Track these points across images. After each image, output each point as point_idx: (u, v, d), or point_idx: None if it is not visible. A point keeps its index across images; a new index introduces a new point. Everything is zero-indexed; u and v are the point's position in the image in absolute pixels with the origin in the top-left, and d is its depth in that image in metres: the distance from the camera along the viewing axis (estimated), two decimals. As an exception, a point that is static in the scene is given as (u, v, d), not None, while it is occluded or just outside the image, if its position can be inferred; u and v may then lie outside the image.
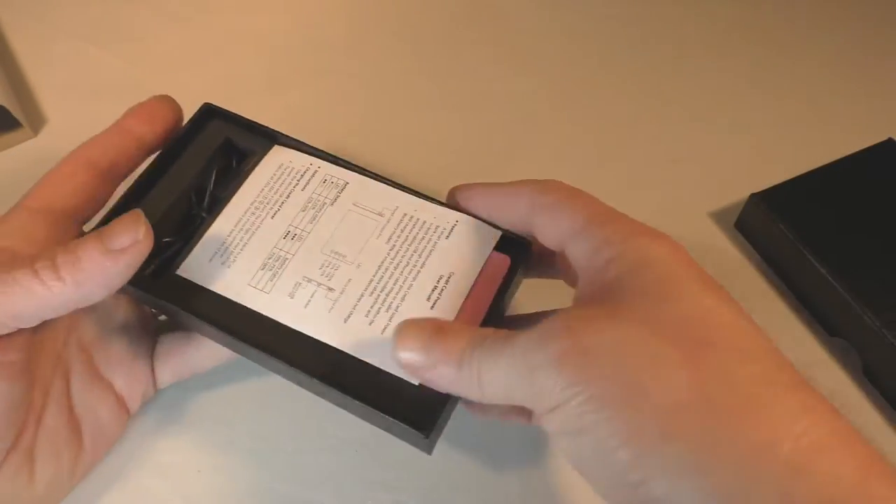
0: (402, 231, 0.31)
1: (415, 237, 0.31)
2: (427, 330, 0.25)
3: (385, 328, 0.28)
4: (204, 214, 0.32)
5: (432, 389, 0.26)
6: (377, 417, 0.28)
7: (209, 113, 0.35)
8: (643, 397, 0.20)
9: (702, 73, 0.51)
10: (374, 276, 0.30)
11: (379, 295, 0.29)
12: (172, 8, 0.54)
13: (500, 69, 0.51)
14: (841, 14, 0.55)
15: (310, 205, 0.31)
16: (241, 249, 0.30)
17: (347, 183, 0.32)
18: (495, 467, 0.33)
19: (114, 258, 0.25)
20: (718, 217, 0.43)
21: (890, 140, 0.43)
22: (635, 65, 0.51)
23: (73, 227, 0.30)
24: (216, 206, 0.32)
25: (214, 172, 0.33)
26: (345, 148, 0.46)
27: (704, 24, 0.54)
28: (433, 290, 0.29)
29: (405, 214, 0.31)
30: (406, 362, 0.25)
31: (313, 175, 0.32)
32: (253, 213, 0.31)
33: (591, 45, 0.52)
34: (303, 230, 0.31)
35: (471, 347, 0.24)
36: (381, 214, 0.31)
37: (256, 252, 0.30)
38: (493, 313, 0.29)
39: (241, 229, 0.31)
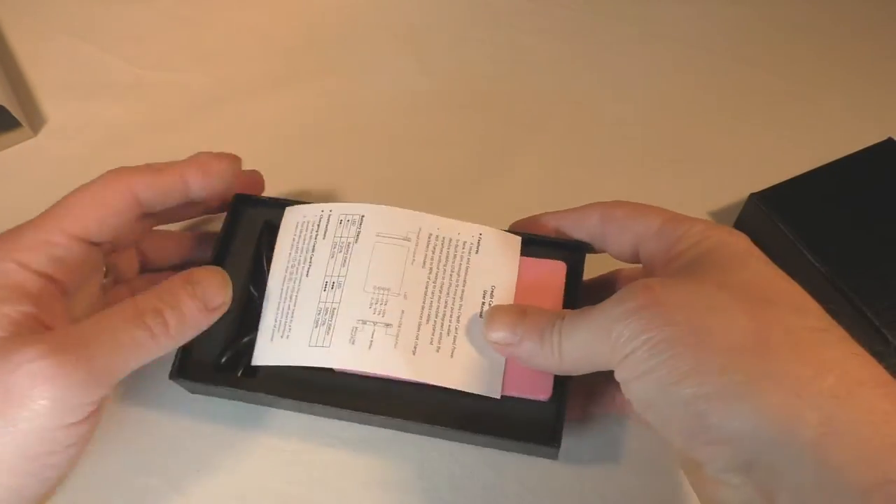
0: (433, 252, 0.31)
1: (448, 256, 0.31)
2: (513, 312, 0.29)
3: (453, 352, 0.30)
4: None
5: (524, 400, 0.30)
6: (503, 443, 0.32)
7: (242, 201, 0.35)
8: (707, 339, 0.23)
9: (702, 74, 0.51)
10: (423, 302, 0.30)
11: (435, 321, 0.30)
12: (172, 8, 0.54)
13: (500, 69, 0.51)
14: (841, 14, 0.55)
15: (336, 249, 0.31)
16: (292, 317, 0.31)
17: (363, 216, 0.32)
18: (496, 467, 0.33)
19: (208, 315, 0.28)
20: (718, 217, 0.43)
21: (890, 140, 0.43)
22: (634, 65, 0.51)
23: (100, 257, 0.31)
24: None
25: (264, 259, 0.33)
26: (345, 147, 0.46)
27: (704, 24, 0.54)
28: (482, 306, 0.31)
29: (430, 235, 0.32)
30: (496, 340, 0.29)
31: (328, 220, 0.32)
32: (290, 279, 0.31)
33: (589, 46, 0.52)
34: (339, 276, 0.31)
35: (551, 323, 0.27)
36: (407, 239, 0.31)
37: (306, 313, 0.31)
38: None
39: (286, 298, 0.31)
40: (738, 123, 0.48)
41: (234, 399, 0.34)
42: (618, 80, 0.50)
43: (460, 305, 0.30)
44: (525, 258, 0.33)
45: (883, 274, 0.37)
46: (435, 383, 0.29)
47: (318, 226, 0.32)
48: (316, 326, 0.30)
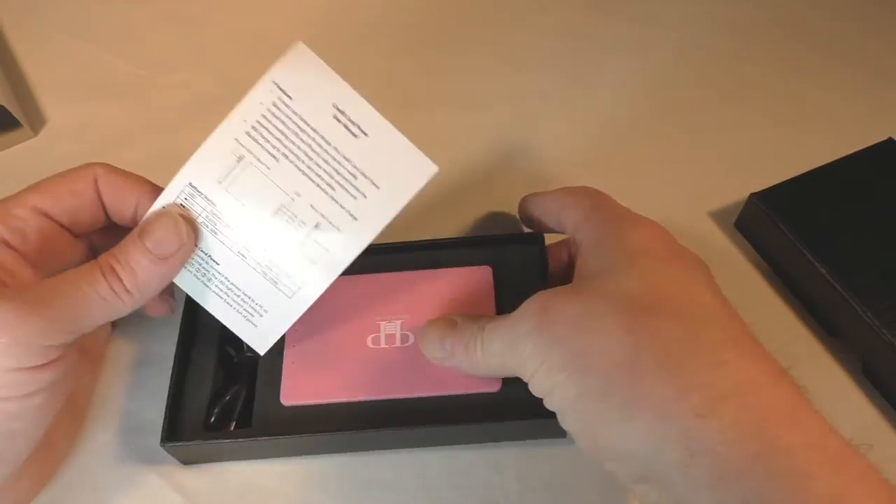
0: (269, 142, 0.29)
1: (280, 129, 0.29)
2: (443, 326, 0.30)
3: (373, 184, 0.29)
4: (250, 354, 0.33)
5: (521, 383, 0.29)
6: (510, 430, 0.33)
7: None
8: (590, 360, 0.24)
9: (702, 73, 0.51)
10: (311, 179, 0.29)
11: (331, 179, 0.29)
12: (172, 8, 0.54)
13: (499, 69, 0.51)
14: (841, 14, 0.55)
15: (208, 228, 0.29)
16: (252, 298, 0.30)
17: (190, 182, 0.29)
18: (495, 467, 0.33)
19: (165, 265, 0.28)
20: (718, 217, 0.43)
21: (890, 140, 0.43)
22: (636, 65, 0.51)
23: (74, 240, 0.31)
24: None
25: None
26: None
27: (704, 24, 0.54)
28: (348, 127, 0.28)
29: (247, 132, 0.29)
30: (432, 358, 0.30)
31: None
32: (208, 281, 0.30)
33: (590, 46, 0.52)
34: (239, 241, 0.29)
35: (473, 334, 0.28)
36: (240, 158, 0.29)
37: (255, 285, 0.30)
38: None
39: (227, 293, 0.30)
40: (738, 123, 0.48)
41: (232, 459, 0.33)
42: (617, 80, 0.50)
43: (333, 149, 0.28)
44: (450, 269, 0.35)
45: (883, 274, 0.37)
46: (395, 215, 0.29)
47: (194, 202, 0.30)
48: (276, 284, 0.30)
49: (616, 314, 0.24)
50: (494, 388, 0.32)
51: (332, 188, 0.29)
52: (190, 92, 0.49)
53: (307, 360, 0.33)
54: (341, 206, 0.29)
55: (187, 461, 0.33)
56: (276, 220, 0.29)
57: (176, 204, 0.29)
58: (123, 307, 0.28)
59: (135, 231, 0.28)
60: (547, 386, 0.25)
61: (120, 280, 0.27)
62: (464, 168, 0.45)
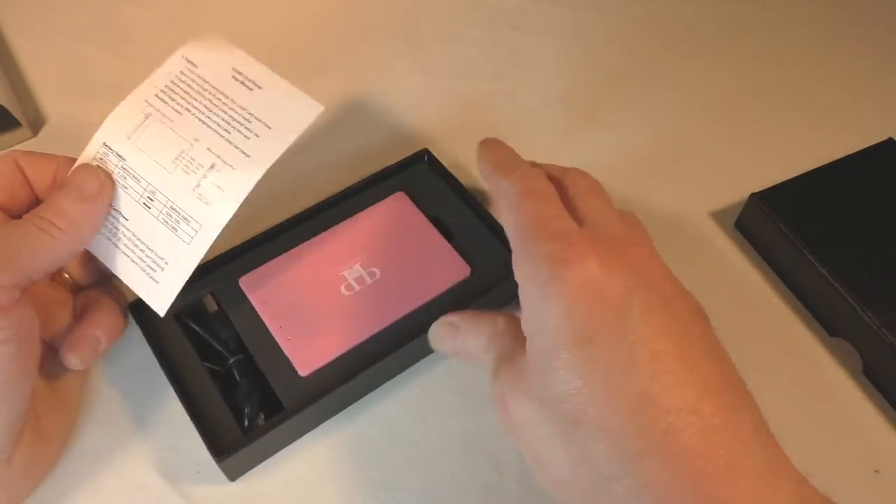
0: (174, 101, 0.32)
1: (185, 90, 0.32)
2: (442, 338, 0.31)
3: (265, 125, 0.31)
4: (233, 358, 0.35)
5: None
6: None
7: (136, 309, 0.35)
8: (543, 471, 0.25)
9: (702, 74, 0.51)
10: (212, 128, 0.31)
11: (234, 126, 0.31)
12: (172, 8, 0.54)
13: (499, 69, 0.51)
14: (842, 14, 0.55)
15: (120, 183, 0.32)
16: (151, 248, 0.31)
17: (104, 141, 0.32)
18: (495, 467, 0.33)
19: (93, 202, 0.30)
20: (718, 217, 0.43)
21: (890, 140, 0.43)
22: (636, 65, 0.51)
23: None
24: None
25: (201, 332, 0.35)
26: (345, 147, 0.46)
27: (705, 24, 0.54)
28: (245, 83, 0.32)
29: (156, 94, 0.32)
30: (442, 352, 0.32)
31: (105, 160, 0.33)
32: (117, 234, 0.32)
33: (590, 45, 0.52)
34: (144, 188, 0.31)
35: (482, 350, 0.29)
36: (148, 115, 0.32)
37: (158, 235, 0.31)
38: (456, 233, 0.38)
39: (133, 245, 0.32)
40: (738, 123, 0.48)
41: (275, 452, 0.34)
42: (617, 80, 0.50)
43: (230, 100, 0.31)
44: (372, 207, 0.39)
45: (883, 274, 0.37)
46: (283, 151, 0.30)
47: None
48: (176, 230, 0.31)
49: (553, 424, 0.24)
50: (466, 272, 0.36)
51: (228, 132, 0.31)
52: (190, 92, 0.49)
53: (300, 331, 0.34)
54: (235, 147, 0.30)
55: (236, 475, 0.33)
56: (175, 166, 0.31)
57: (92, 162, 0.32)
58: (60, 245, 0.29)
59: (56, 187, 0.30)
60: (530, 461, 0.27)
61: (52, 223, 0.29)
62: (458, 166, 0.45)
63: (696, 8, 0.55)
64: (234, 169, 0.30)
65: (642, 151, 0.46)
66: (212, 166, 0.30)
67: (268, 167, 0.30)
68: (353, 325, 0.34)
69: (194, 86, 0.32)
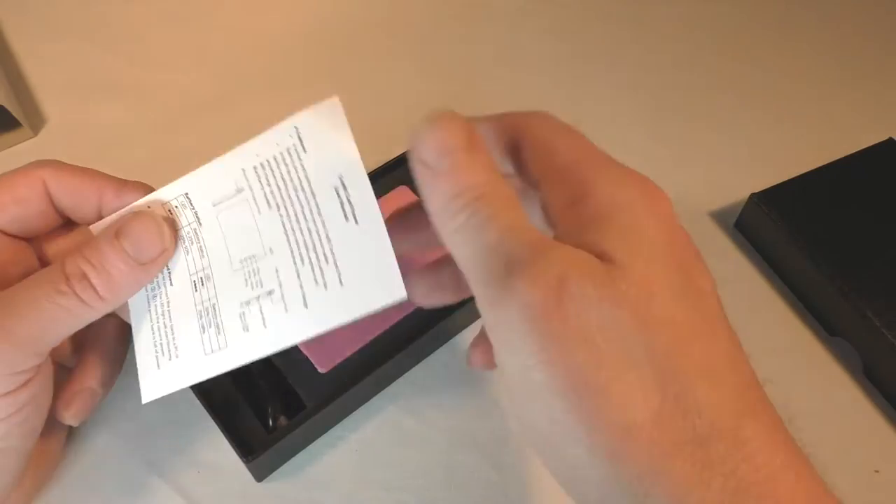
0: (269, 184, 0.27)
1: (283, 177, 0.27)
2: (455, 135, 0.22)
3: (339, 278, 0.25)
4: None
5: None
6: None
7: None
8: (601, 405, 0.18)
9: (702, 74, 0.51)
10: (289, 245, 0.26)
11: (309, 256, 0.26)
12: (172, 8, 0.54)
13: (499, 69, 0.51)
14: (841, 14, 0.55)
15: (187, 243, 0.28)
16: (173, 333, 0.28)
17: (187, 192, 0.28)
18: (495, 467, 0.33)
19: (145, 271, 0.26)
20: (718, 217, 0.43)
21: (890, 140, 0.43)
22: (636, 65, 0.51)
23: (23, 248, 0.29)
24: None
25: None
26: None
27: (705, 24, 0.54)
28: (341, 204, 0.25)
29: (256, 167, 0.27)
30: (418, 163, 0.22)
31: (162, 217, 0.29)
32: (154, 297, 0.28)
33: (591, 45, 0.52)
34: (203, 269, 0.28)
35: (473, 203, 0.20)
36: (240, 190, 0.27)
37: (186, 323, 0.27)
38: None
39: (158, 318, 0.28)
40: (738, 123, 0.48)
41: (300, 448, 0.34)
42: (617, 80, 0.50)
43: (321, 221, 0.25)
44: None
45: (883, 274, 0.37)
46: (340, 324, 0.25)
47: None
48: (204, 332, 0.27)
49: (647, 355, 0.18)
50: None
51: (302, 262, 0.26)
52: (190, 92, 0.49)
53: None
54: (301, 286, 0.26)
55: (262, 476, 0.33)
56: (241, 267, 0.27)
57: (164, 206, 0.28)
58: (94, 315, 0.25)
59: (110, 230, 0.26)
60: (519, 378, 0.19)
61: (92, 287, 0.25)
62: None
63: (696, 9, 0.55)
64: (286, 312, 0.26)
65: (642, 151, 0.46)
66: (270, 293, 0.26)
67: (316, 333, 0.25)
68: (367, 321, 0.33)
69: (294, 178, 0.26)
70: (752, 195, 0.40)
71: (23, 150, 0.45)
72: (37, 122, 0.47)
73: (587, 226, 0.20)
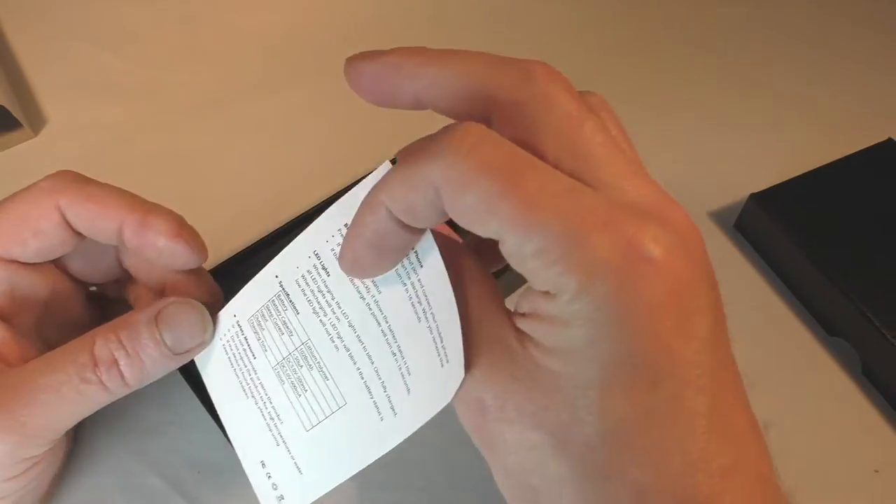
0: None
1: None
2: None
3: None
4: None
5: None
6: None
7: None
8: (535, 500, 0.20)
9: (702, 74, 0.51)
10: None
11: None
12: (172, 8, 0.54)
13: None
14: (841, 14, 0.55)
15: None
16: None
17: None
18: (495, 467, 0.33)
19: (177, 360, 0.25)
20: (718, 217, 0.43)
21: (890, 140, 0.43)
22: (635, 65, 0.51)
23: (41, 273, 0.27)
24: None
25: None
26: (344, 147, 0.46)
27: (705, 24, 0.54)
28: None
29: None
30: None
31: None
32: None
33: (591, 45, 0.52)
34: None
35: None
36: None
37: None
38: None
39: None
40: (738, 123, 0.48)
41: None
42: (617, 80, 0.50)
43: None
44: None
45: (883, 274, 0.37)
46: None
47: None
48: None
49: (570, 473, 0.18)
50: None
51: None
52: (190, 92, 0.49)
53: None
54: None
55: None
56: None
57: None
58: (111, 400, 0.24)
59: (150, 312, 0.24)
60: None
61: (121, 374, 0.23)
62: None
63: (696, 9, 0.55)
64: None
65: (642, 151, 0.46)
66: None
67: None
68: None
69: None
70: (752, 195, 0.41)
71: (23, 150, 0.45)
72: (37, 122, 0.47)
73: (549, 322, 0.18)
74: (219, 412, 0.26)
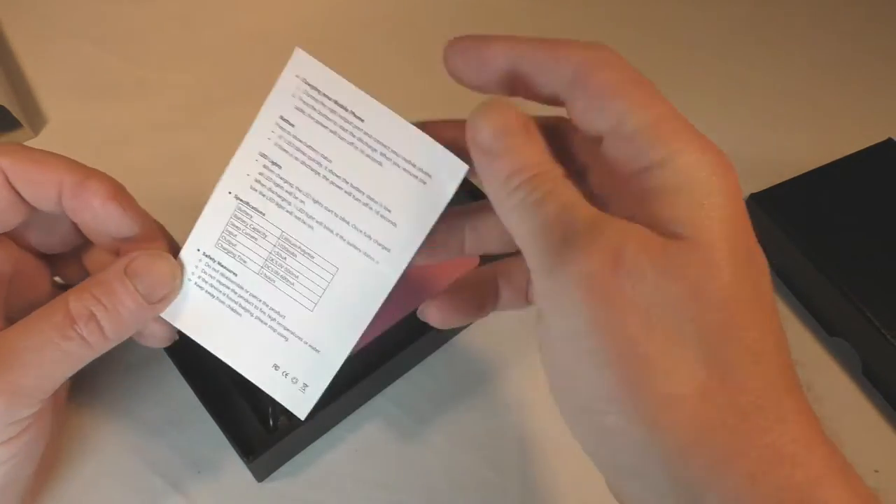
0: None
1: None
2: (512, 117, 0.22)
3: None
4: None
5: None
6: None
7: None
8: (646, 376, 0.19)
9: (702, 74, 0.51)
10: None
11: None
12: (172, 8, 0.54)
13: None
14: (841, 14, 0.55)
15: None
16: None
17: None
18: (495, 467, 0.33)
19: (152, 309, 0.25)
20: (718, 217, 0.43)
21: (890, 140, 0.43)
22: (635, 65, 0.51)
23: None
24: None
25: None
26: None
27: (705, 24, 0.54)
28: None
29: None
30: (474, 142, 0.22)
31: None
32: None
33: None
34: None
35: (530, 182, 0.21)
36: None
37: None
38: None
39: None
40: (737, 123, 0.48)
41: (300, 449, 0.34)
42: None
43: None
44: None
45: (883, 274, 0.37)
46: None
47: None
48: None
49: (698, 332, 0.19)
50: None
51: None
52: (190, 92, 0.49)
53: None
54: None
55: (263, 476, 0.33)
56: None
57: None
58: (95, 355, 0.25)
59: (118, 266, 0.24)
60: (572, 363, 0.20)
61: (100, 328, 0.24)
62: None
63: (696, 9, 0.55)
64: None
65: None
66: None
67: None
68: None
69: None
70: (752, 195, 0.40)
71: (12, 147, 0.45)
72: (37, 122, 0.47)
73: (657, 196, 0.20)
74: (211, 349, 0.26)
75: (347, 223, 0.25)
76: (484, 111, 0.22)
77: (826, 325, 0.38)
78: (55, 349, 0.23)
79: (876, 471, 0.34)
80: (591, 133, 0.22)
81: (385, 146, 0.25)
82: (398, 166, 0.25)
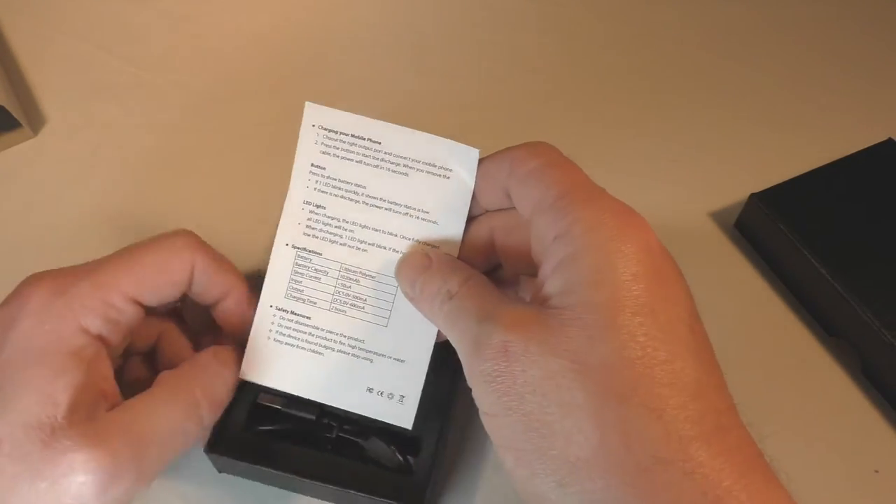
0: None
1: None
2: (414, 268, 0.27)
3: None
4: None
5: None
6: None
7: None
8: (549, 443, 0.21)
9: (702, 74, 0.51)
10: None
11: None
12: (172, 8, 0.54)
13: (501, 69, 0.51)
14: (840, 15, 0.55)
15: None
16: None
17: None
18: (495, 467, 0.33)
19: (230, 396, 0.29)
20: (718, 217, 0.43)
21: (890, 140, 0.43)
22: (636, 65, 0.51)
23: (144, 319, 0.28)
24: None
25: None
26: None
27: (705, 24, 0.54)
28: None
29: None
30: (407, 297, 0.27)
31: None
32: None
33: (591, 46, 0.52)
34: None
35: (440, 295, 0.25)
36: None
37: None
38: None
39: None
40: (738, 123, 0.48)
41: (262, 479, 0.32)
42: (617, 81, 0.50)
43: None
44: None
45: (883, 274, 0.37)
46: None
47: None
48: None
49: (585, 392, 0.20)
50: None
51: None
52: (189, 92, 0.49)
53: None
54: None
55: (222, 469, 0.32)
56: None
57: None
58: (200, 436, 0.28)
59: (213, 358, 0.28)
60: (501, 430, 0.22)
61: (210, 412, 0.27)
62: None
63: (696, 10, 0.55)
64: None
65: (643, 151, 0.46)
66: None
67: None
68: None
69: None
70: (752, 195, 0.40)
71: (23, 150, 0.45)
72: (37, 122, 0.47)
73: (554, 270, 0.22)
74: (304, 395, 0.28)
75: (395, 236, 0.28)
76: (397, 269, 0.28)
77: (825, 325, 0.38)
78: (180, 428, 0.26)
79: (876, 471, 0.34)
80: (526, 218, 0.25)
81: (405, 157, 0.27)
82: (421, 171, 0.27)
